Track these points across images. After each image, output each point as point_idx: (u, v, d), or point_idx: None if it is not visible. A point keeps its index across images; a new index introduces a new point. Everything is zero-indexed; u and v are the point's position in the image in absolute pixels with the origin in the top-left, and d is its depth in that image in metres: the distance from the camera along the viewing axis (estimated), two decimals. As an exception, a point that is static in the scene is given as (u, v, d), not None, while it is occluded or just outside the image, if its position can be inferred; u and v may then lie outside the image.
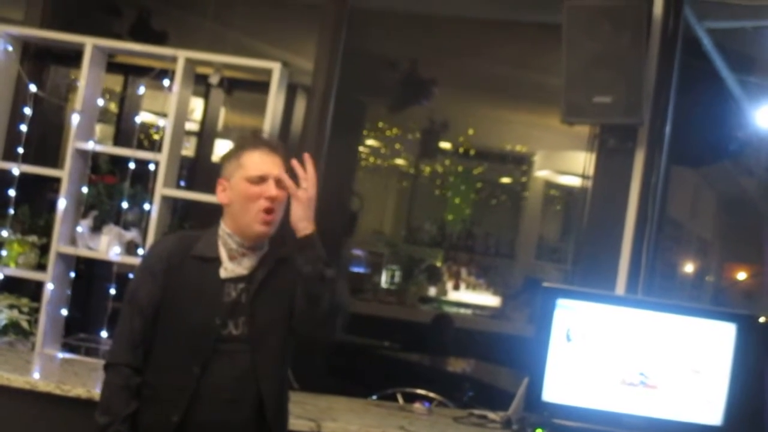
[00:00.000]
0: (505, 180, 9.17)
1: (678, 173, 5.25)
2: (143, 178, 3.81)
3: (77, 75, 3.91)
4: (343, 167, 5.41)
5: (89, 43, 3.84)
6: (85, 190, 3.85)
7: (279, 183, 2.49)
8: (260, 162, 2.51)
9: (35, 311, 3.76)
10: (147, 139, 4.89)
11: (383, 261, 8.38)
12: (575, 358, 3.26)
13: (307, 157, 2.46)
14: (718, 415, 3.20)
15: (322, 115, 4.06)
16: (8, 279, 3.80)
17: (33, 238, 3.85)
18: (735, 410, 3.19)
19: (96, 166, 3.89)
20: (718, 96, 4.73)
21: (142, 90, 4.05)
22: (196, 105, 5.05)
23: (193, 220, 3.91)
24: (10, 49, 3.95)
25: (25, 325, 3.72)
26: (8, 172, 3.85)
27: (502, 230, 8.92)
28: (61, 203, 3.77)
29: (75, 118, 3.82)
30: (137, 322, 2.49)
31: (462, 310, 8.13)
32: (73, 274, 3.86)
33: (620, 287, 3.71)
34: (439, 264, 8.59)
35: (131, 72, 4.34)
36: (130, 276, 2.77)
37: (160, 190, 3.76)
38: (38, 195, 4.07)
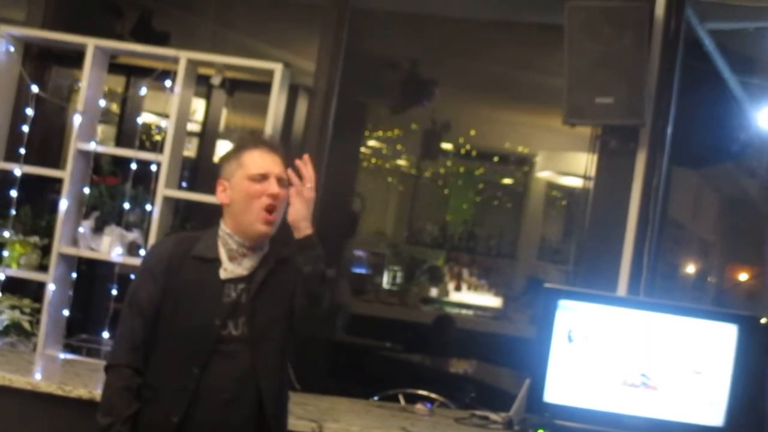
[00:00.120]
0: (507, 181, 9.15)
1: (679, 174, 5.24)
2: (145, 178, 3.82)
3: (79, 76, 3.92)
4: (344, 168, 5.40)
5: (91, 43, 3.85)
6: (86, 190, 3.86)
7: (280, 182, 2.50)
8: (261, 160, 2.51)
9: (37, 312, 3.76)
10: (149, 140, 4.91)
11: (385, 262, 8.38)
12: (577, 359, 3.25)
13: (306, 157, 2.47)
14: (720, 416, 3.20)
15: (324, 115, 4.06)
16: (10, 280, 3.80)
17: (35, 239, 3.85)
18: (736, 411, 3.19)
19: (98, 166, 3.90)
20: (720, 97, 4.72)
21: (143, 91, 4.06)
22: (198, 106, 5.05)
23: (195, 221, 3.91)
24: (12, 49, 3.95)
25: (26, 325, 3.72)
26: (10, 173, 3.85)
27: (503, 231, 8.90)
28: (63, 204, 3.77)
29: (77, 119, 3.82)
30: (138, 324, 2.49)
31: (464, 311, 8.12)
32: (74, 275, 3.87)
33: (622, 288, 3.71)
34: (440, 265, 8.59)
35: (133, 73, 4.34)
36: (132, 277, 2.78)
37: (162, 190, 3.76)
38: (40, 196, 4.07)
